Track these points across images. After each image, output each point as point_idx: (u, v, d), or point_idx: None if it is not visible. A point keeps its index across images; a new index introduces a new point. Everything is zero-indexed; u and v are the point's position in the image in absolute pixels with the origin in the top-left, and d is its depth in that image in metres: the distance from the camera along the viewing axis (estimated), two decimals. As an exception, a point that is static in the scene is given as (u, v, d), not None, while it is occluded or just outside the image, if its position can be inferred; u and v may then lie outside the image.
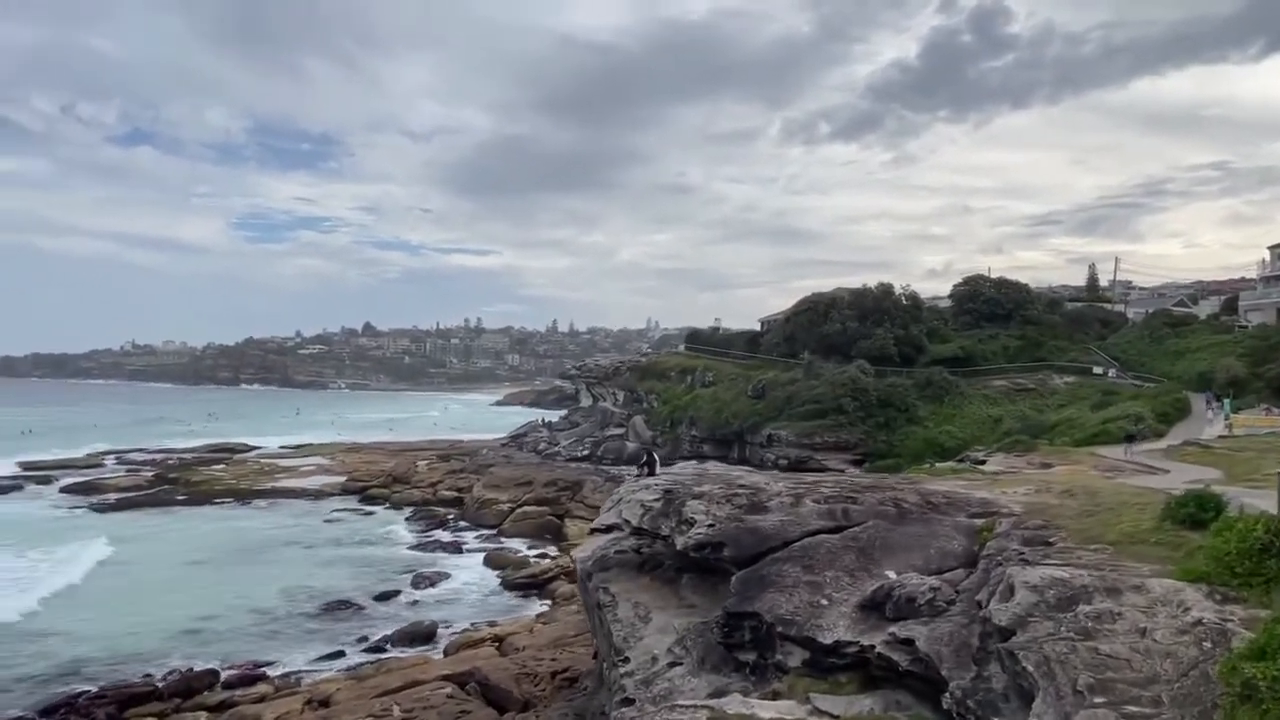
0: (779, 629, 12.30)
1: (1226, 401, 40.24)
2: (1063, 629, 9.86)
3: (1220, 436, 35.51)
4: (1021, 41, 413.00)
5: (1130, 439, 32.66)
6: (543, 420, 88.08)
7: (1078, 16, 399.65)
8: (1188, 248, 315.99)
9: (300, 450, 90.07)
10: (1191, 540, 12.29)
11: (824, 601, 12.93)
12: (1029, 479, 20.42)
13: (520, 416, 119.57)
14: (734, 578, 13.83)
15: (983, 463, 31.16)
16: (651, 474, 19.35)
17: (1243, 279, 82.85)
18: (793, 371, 61.56)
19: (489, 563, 40.95)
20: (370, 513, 56.49)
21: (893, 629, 11.58)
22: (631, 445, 66.24)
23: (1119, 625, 9.89)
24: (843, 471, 45.60)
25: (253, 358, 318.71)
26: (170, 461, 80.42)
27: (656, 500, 16.73)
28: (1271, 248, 67.95)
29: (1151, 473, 25.98)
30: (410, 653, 28.13)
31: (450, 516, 52.96)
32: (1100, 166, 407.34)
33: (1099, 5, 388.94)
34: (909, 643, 11.17)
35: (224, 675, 26.74)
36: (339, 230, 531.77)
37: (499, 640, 27.49)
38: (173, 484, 66.78)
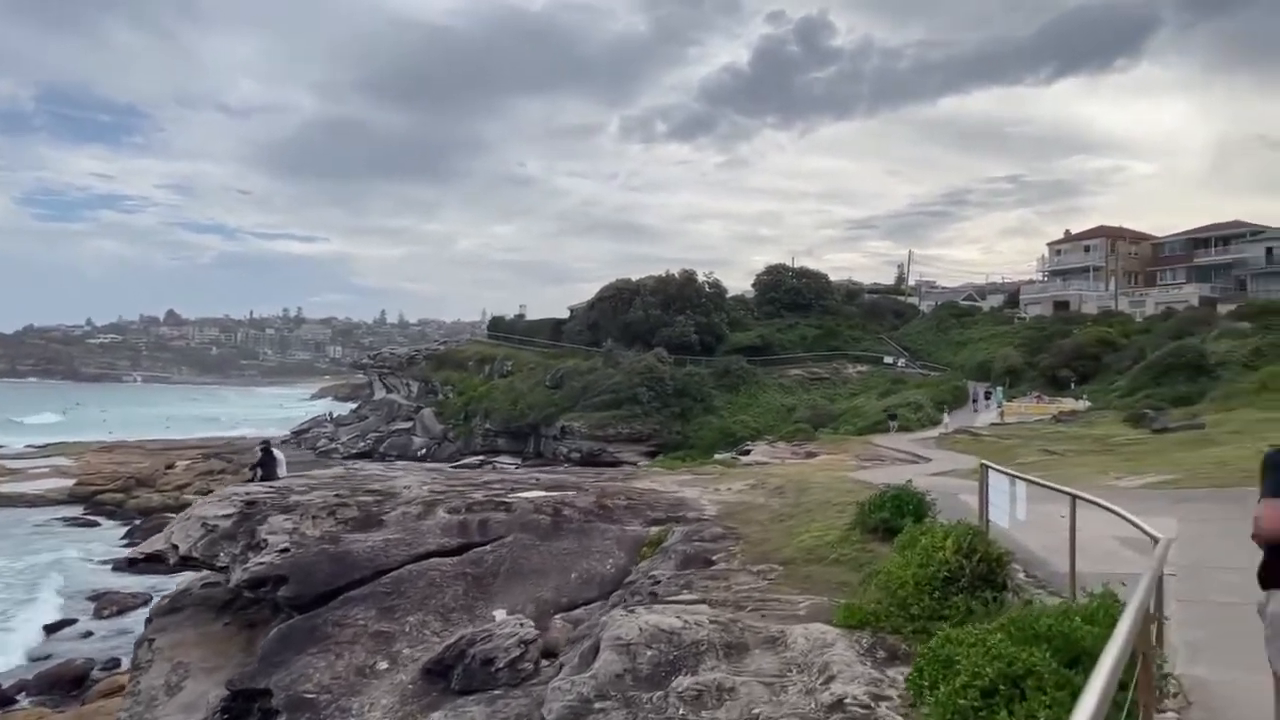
0: (284, 716, 8.04)
1: (998, 390, 40.21)
2: (636, 724, 6.16)
3: (993, 424, 35.75)
4: (844, 55, 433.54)
5: (893, 418, 35.23)
6: (330, 414, 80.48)
7: (894, 33, 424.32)
8: (985, 253, 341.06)
9: (45, 450, 78.04)
10: (880, 557, 9.07)
11: (383, 665, 8.81)
12: (756, 472, 17.34)
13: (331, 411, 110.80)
14: (272, 631, 9.47)
15: (748, 452, 28.58)
16: (269, 478, 14.72)
17: (1030, 280, 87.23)
18: (593, 360, 58.41)
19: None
20: (93, 522, 47.83)
21: (441, 711, 7.65)
22: (419, 440, 60.91)
23: (724, 711, 6.27)
24: (635, 464, 42.65)
25: (33, 348, 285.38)
26: None
27: (229, 516, 12.13)
28: (1050, 244, 71.15)
29: (914, 461, 24.62)
30: (31, 704, 21.94)
31: (187, 525, 45.67)
32: (913, 176, 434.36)
33: (914, 23, 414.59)
34: (452, 737, 7.29)
35: None
36: (145, 210, 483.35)
37: (149, 687, 21.86)
38: None
